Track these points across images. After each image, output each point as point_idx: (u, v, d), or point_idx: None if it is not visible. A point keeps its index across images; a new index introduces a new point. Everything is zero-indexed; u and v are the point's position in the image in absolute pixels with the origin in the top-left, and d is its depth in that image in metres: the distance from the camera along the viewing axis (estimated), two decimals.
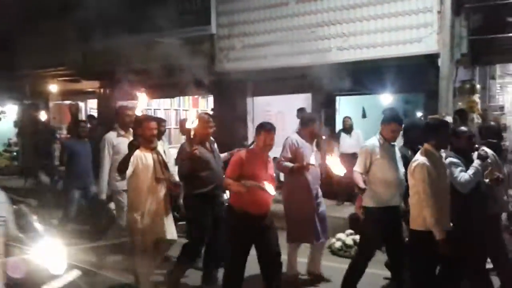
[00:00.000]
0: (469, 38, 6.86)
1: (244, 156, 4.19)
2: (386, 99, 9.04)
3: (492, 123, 5.07)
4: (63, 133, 12.50)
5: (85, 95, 12.82)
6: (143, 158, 4.45)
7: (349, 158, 6.64)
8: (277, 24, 8.21)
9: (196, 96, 12.55)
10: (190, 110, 12.83)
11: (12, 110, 15.04)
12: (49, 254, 2.70)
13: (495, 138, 4.62)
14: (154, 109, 12.55)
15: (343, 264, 4.95)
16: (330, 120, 8.84)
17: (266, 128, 4.25)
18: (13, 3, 10.59)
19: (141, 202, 4.44)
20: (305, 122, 5.24)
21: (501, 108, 8.59)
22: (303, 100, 9.16)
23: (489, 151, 4.32)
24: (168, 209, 4.64)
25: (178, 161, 4.96)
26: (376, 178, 4.31)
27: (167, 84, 10.21)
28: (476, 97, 7.21)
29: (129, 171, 4.38)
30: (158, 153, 4.58)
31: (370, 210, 4.37)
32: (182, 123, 5.47)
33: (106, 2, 8.19)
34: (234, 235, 4.19)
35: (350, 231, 6.44)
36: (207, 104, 12.65)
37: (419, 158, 3.86)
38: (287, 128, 9.67)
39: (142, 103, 4.64)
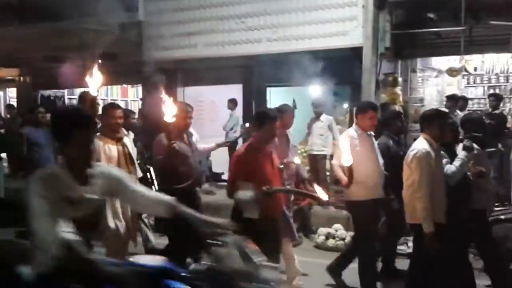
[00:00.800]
0: (392, 32, 7.10)
1: (243, 154, 3.75)
2: (315, 90, 9.22)
3: (475, 115, 4.86)
4: None
5: (4, 83, 12.01)
6: (106, 149, 4.06)
7: None
8: (207, 13, 8.08)
9: (124, 86, 12.15)
10: (118, 100, 12.42)
11: None
12: None
13: (479, 131, 4.41)
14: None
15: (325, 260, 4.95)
16: None
17: (272, 116, 3.79)
18: None
19: None
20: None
21: (421, 100, 9.01)
22: (234, 90, 9.14)
23: (474, 144, 4.19)
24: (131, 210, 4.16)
25: (154, 155, 4.60)
26: (357, 170, 4.06)
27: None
28: (398, 90, 7.50)
29: None
30: (124, 145, 4.22)
31: (358, 204, 4.23)
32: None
33: None
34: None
35: (338, 225, 6.45)
36: (136, 94, 12.28)
37: (419, 147, 3.72)
38: (220, 118, 9.66)
39: (96, 82, 3.97)
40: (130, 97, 12.55)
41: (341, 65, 7.44)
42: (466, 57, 8.18)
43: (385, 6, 6.93)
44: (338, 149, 4.27)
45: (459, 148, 4.16)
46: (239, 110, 9.11)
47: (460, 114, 7.41)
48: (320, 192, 3.44)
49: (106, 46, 8.89)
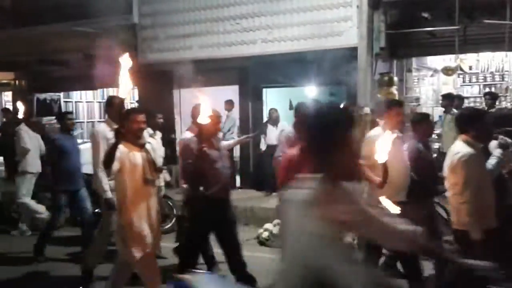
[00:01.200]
0: (387, 32, 7.12)
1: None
2: (312, 91, 9.22)
3: (506, 111, 4.63)
4: None
5: None
6: (131, 156, 3.92)
7: (275, 150, 6.69)
8: (202, 15, 8.08)
9: None
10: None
11: None
12: None
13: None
14: (76, 102, 12.00)
15: (269, 254, 4.93)
16: (257, 112, 8.87)
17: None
18: None
19: (129, 207, 3.91)
20: None
21: (417, 99, 9.03)
22: (231, 92, 9.13)
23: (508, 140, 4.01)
24: (158, 217, 4.12)
25: (182, 159, 4.47)
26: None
27: (88, 76, 9.77)
28: (394, 89, 7.50)
29: (115, 167, 3.81)
30: (147, 152, 4.10)
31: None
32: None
33: None
34: None
35: (277, 221, 6.50)
36: (132, 96, 12.25)
37: (463, 150, 3.50)
38: None
39: (126, 86, 3.87)
40: (126, 100, 12.53)
41: (336, 66, 7.43)
42: (461, 56, 8.20)
43: (379, 6, 6.95)
44: (364, 149, 4.05)
45: (493, 145, 4.02)
46: (235, 111, 9.11)
47: (456, 112, 7.43)
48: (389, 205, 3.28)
49: (101, 48, 8.90)
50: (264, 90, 9.11)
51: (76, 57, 9.02)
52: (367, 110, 6.19)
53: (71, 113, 6.39)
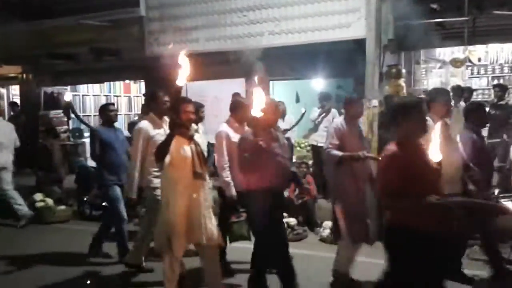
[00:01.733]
0: (395, 24, 7.05)
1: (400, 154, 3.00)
2: (319, 84, 9.19)
3: None
4: None
5: (7, 80, 12.02)
6: (180, 149, 3.83)
7: None
8: (208, 7, 8.03)
9: (127, 81, 12.14)
10: (121, 96, 12.43)
11: None
12: None
13: None
14: (83, 95, 12.03)
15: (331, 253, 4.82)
16: None
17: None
18: None
19: (177, 200, 3.83)
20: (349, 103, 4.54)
21: (425, 91, 8.94)
22: (238, 85, 9.11)
23: None
24: (208, 208, 4.02)
25: (239, 152, 4.19)
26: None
27: (95, 69, 9.79)
28: (402, 81, 7.44)
29: (167, 160, 3.74)
30: (196, 144, 3.99)
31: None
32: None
33: None
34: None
35: None
36: (139, 89, 12.28)
37: None
38: (223, 113, 9.60)
39: (184, 73, 3.74)
40: (133, 93, 12.54)
41: (344, 58, 7.39)
42: (470, 47, 8.14)
43: None
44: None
45: None
46: None
47: (464, 105, 7.37)
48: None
49: (109, 41, 8.90)
50: (271, 82, 9.09)
51: (83, 51, 9.02)
52: (375, 102, 6.16)
53: (113, 104, 6.10)
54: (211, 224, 4.03)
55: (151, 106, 5.08)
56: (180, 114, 3.87)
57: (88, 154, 8.68)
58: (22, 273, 5.38)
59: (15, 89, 12.35)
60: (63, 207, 7.74)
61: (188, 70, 3.66)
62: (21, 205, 7.32)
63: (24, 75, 11.15)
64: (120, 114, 11.59)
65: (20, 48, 9.58)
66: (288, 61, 7.44)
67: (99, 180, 5.64)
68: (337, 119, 4.66)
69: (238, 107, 4.94)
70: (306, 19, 7.21)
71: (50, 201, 7.68)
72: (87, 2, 8.28)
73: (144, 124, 4.87)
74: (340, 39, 6.98)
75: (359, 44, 6.97)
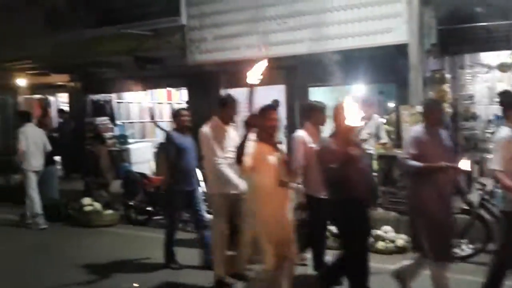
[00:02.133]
0: (438, 28, 6.91)
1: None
2: (359, 89, 9.07)
3: None
4: None
5: (55, 89, 12.52)
6: (265, 155, 3.78)
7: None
8: (248, 15, 8.13)
9: (169, 89, 12.39)
10: (164, 103, 12.69)
11: None
12: None
13: None
14: (128, 103, 12.37)
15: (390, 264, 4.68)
16: None
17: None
18: None
19: (264, 209, 3.75)
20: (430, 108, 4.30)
21: (471, 97, 8.68)
22: (277, 91, 9.13)
23: None
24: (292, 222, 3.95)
25: (323, 163, 4.03)
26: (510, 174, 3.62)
27: (139, 77, 10.06)
28: (446, 87, 7.26)
29: (246, 163, 3.69)
30: (281, 151, 3.95)
31: None
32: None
33: None
34: None
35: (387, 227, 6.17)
36: (181, 96, 12.50)
37: None
38: None
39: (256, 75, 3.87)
40: (174, 100, 12.77)
41: (386, 63, 7.30)
42: None
43: (430, 1, 6.76)
44: (494, 153, 3.80)
45: None
46: (281, 110, 9.10)
47: None
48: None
49: (151, 50, 9.14)
50: (311, 89, 9.05)
51: (127, 59, 9.29)
52: (419, 108, 6.03)
53: (186, 109, 6.13)
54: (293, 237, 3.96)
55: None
56: (264, 121, 3.87)
57: (132, 160, 8.92)
58: (75, 273, 5.56)
59: (62, 97, 12.84)
60: (110, 211, 7.98)
61: (259, 74, 3.87)
62: (35, 206, 7.62)
63: (73, 84, 11.59)
64: (162, 121, 11.82)
65: (67, 57, 9.97)
66: (328, 67, 7.39)
67: (167, 184, 5.55)
68: (416, 127, 4.39)
69: (313, 111, 4.83)
70: (346, 25, 7.17)
71: (98, 206, 7.95)
72: (129, 11, 8.53)
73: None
74: (382, 45, 6.90)
75: (401, 49, 6.87)
